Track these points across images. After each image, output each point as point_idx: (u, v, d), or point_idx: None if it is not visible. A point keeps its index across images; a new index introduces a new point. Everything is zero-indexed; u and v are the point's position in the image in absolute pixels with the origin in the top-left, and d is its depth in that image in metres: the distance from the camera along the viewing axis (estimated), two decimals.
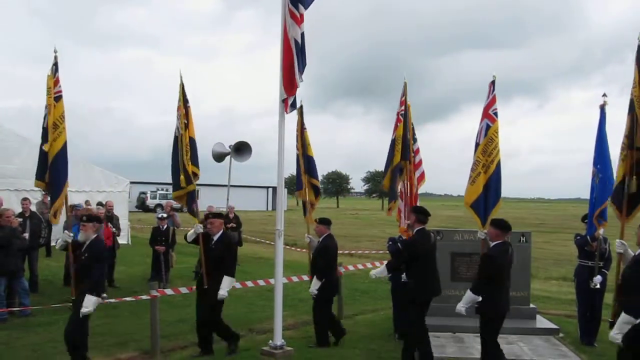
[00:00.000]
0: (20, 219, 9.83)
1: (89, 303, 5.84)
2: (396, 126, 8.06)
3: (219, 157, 17.39)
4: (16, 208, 10.71)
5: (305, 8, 6.70)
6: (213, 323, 6.89)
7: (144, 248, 14.36)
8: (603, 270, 7.66)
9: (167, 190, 43.25)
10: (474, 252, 8.05)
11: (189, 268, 13.22)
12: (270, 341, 6.98)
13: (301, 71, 6.79)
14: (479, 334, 6.13)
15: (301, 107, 8.50)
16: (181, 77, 7.10)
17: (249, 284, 9.01)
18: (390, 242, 7.91)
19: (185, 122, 7.13)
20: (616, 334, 4.78)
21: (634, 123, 5.43)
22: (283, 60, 6.88)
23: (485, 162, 6.50)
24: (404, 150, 7.99)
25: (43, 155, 6.42)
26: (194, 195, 7.21)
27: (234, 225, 15.29)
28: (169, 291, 8.11)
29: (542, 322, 8.53)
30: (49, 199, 14.95)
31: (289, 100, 6.96)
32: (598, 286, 7.41)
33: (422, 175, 8.70)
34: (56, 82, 6.41)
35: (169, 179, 7.34)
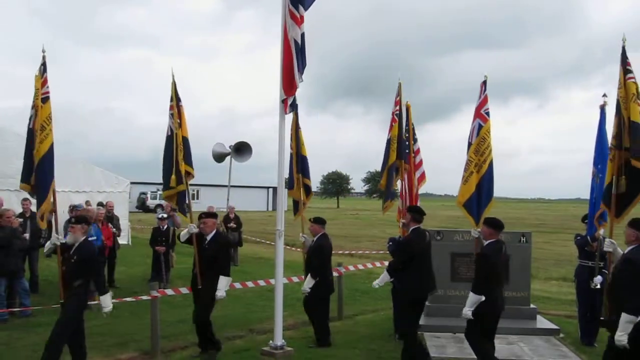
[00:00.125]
0: (21, 220, 9.83)
1: (107, 303, 6.12)
2: (391, 126, 8.13)
3: (219, 157, 17.39)
4: (16, 208, 10.70)
5: (305, 9, 6.71)
6: (203, 323, 6.80)
7: (144, 248, 14.35)
8: (603, 270, 7.64)
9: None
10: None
11: (189, 268, 13.05)
12: (271, 341, 6.98)
13: (301, 72, 6.80)
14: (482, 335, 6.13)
15: (296, 106, 8.50)
16: (173, 76, 7.08)
17: (249, 284, 9.00)
18: (391, 243, 7.93)
19: (179, 121, 7.07)
20: (621, 336, 4.75)
21: (621, 124, 5.49)
22: (283, 61, 6.88)
23: (477, 161, 6.54)
24: (400, 150, 8.03)
25: (28, 157, 6.28)
26: (185, 195, 7.16)
27: (235, 225, 15.31)
28: (169, 291, 8.11)
29: (542, 322, 8.53)
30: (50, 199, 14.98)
31: (288, 100, 6.97)
32: (598, 286, 7.39)
33: (422, 176, 8.71)
34: (44, 83, 6.25)
35: None
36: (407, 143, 8.36)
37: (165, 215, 12.34)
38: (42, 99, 6.22)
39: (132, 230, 20.17)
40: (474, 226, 6.55)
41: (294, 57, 6.71)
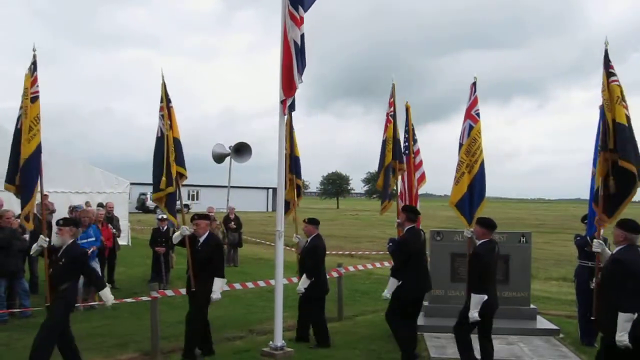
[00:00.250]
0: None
1: (108, 296, 6.03)
2: (386, 127, 8.15)
3: (219, 158, 17.42)
4: (16, 209, 10.68)
5: (305, 10, 6.72)
6: (195, 325, 6.70)
7: (144, 249, 14.36)
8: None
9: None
10: None
11: None
12: (271, 342, 6.98)
13: (300, 72, 6.81)
14: (480, 335, 6.16)
15: (293, 108, 8.47)
16: (163, 77, 7.01)
17: (249, 284, 9.00)
18: (391, 243, 7.92)
19: (169, 122, 6.98)
20: (622, 336, 4.75)
21: (606, 125, 5.57)
22: (282, 62, 6.89)
23: (469, 162, 6.64)
24: (395, 151, 8.05)
25: (14, 157, 6.18)
26: (175, 197, 7.08)
27: (235, 226, 15.31)
28: (169, 292, 8.11)
29: (542, 322, 8.53)
30: (49, 200, 14.98)
31: (287, 101, 6.97)
32: None
33: (422, 176, 8.72)
34: (34, 82, 6.14)
35: None
36: (406, 144, 8.37)
37: (165, 216, 12.32)
38: (31, 98, 6.11)
39: (132, 231, 20.16)
40: (466, 226, 6.64)
41: (293, 58, 6.72)
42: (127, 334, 7.89)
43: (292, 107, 7.14)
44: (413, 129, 8.60)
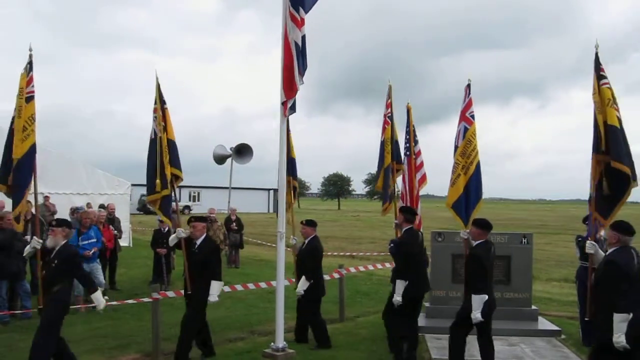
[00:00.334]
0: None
1: (100, 300, 5.98)
2: (384, 128, 8.18)
3: (220, 159, 17.46)
4: None
5: (306, 12, 6.71)
6: (190, 330, 6.63)
7: (146, 250, 14.38)
8: None
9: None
10: None
11: None
12: (272, 343, 6.97)
13: (302, 74, 6.79)
14: (480, 336, 6.16)
15: (293, 110, 8.47)
16: (157, 78, 6.91)
17: (251, 286, 9.00)
18: (392, 245, 7.91)
19: (163, 124, 6.89)
20: (619, 337, 4.76)
21: (597, 128, 5.62)
22: (283, 63, 6.88)
23: (464, 163, 6.70)
24: (394, 152, 8.07)
25: (6, 157, 6.11)
26: (170, 199, 7.03)
27: (236, 227, 15.31)
28: (170, 293, 8.11)
29: (543, 323, 8.52)
30: (50, 201, 14.98)
31: (288, 102, 6.97)
32: None
33: (423, 177, 8.71)
34: (29, 82, 6.08)
35: None
36: (407, 145, 8.37)
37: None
38: (26, 98, 6.06)
39: (133, 232, 20.19)
40: (462, 227, 6.67)
41: (294, 59, 6.71)
42: (129, 335, 7.90)
43: (292, 109, 7.13)
44: (414, 130, 8.60)
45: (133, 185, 19.96)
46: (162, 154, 6.84)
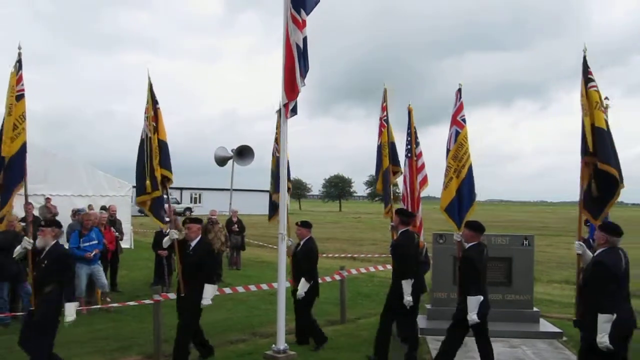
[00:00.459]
0: (24, 224, 9.83)
1: (71, 311, 5.69)
2: (380, 132, 8.20)
3: (221, 161, 17.46)
4: (19, 212, 10.72)
5: (307, 14, 6.71)
6: (186, 335, 6.55)
7: (147, 252, 14.37)
8: None
9: (169, 194, 43.20)
10: None
11: None
12: (273, 345, 6.98)
13: (303, 76, 6.78)
14: (477, 337, 6.19)
15: (279, 110, 8.43)
16: (149, 77, 6.79)
17: (252, 287, 9.01)
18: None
19: (154, 124, 6.78)
20: (602, 337, 4.79)
21: (584, 130, 5.65)
22: (285, 65, 6.88)
23: (456, 167, 6.80)
24: (392, 155, 8.09)
25: None
26: (162, 201, 6.96)
27: (237, 229, 15.31)
28: (172, 295, 8.09)
29: (545, 325, 8.52)
30: (52, 203, 14.99)
31: (289, 104, 6.96)
32: None
33: (424, 179, 8.71)
34: (19, 80, 6.01)
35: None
36: (409, 146, 8.37)
37: (167, 219, 12.33)
38: (16, 96, 6.00)
39: (134, 234, 20.19)
40: (455, 230, 6.71)
41: (296, 61, 6.70)
42: (130, 337, 7.90)
43: (294, 110, 7.12)
44: (415, 132, 8.60)
45: (134, 186, 19.98)
46: (152, 155, 6.75)
